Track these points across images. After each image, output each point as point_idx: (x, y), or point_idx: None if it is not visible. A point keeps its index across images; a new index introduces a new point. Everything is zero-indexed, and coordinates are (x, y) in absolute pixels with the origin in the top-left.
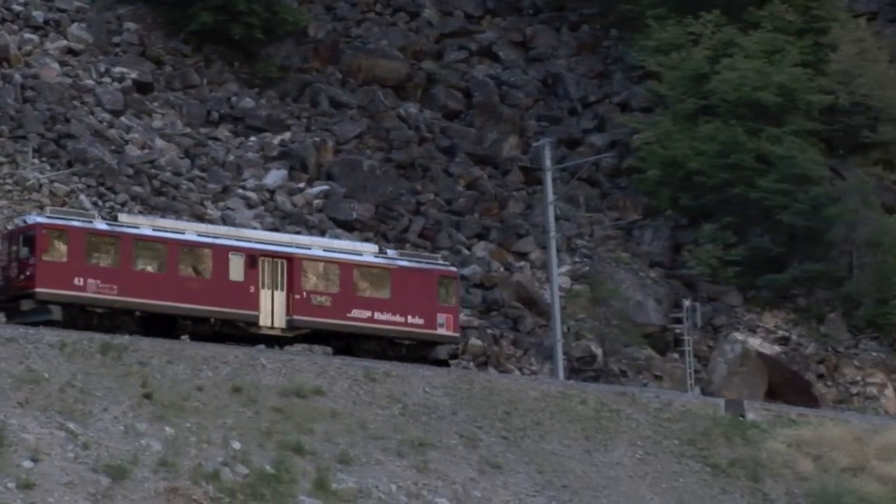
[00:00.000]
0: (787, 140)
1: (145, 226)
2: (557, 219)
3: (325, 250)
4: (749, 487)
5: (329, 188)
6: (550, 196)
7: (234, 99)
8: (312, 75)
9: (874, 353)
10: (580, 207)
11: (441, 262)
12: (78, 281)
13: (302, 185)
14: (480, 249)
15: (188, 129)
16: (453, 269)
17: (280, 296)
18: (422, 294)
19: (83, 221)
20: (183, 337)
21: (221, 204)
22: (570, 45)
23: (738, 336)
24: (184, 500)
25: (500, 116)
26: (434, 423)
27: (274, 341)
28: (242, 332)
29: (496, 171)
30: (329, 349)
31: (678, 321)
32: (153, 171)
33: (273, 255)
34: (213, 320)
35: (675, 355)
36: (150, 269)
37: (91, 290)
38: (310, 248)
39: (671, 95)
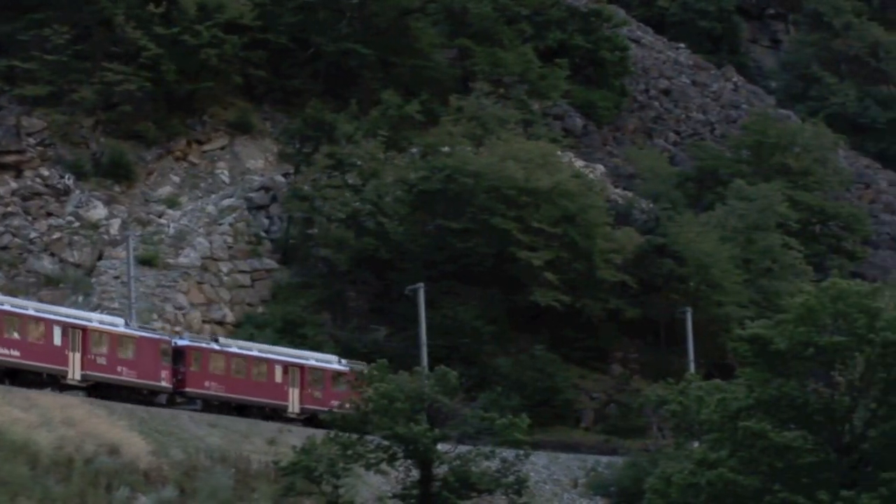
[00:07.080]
0: None
1: (234, 346)
2: None
3: (316, 360)
4: None
5: None
6: None
7: None
8: None
9: None
10: None
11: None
12: (208, 384)
13: None
14: None
15: None
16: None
17: (296, 392)
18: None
19: (207, 343)
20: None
21: None
22: None
23: None
24: None
25: None
26: None
27: (291, 421)
28: (280, 416)
29: None
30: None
31: None
32: None
33: (294, 365)
34: (267, 409)
35: None
36: (239, 375)
37: (213, 389)
38: (308, 360)
39: None
